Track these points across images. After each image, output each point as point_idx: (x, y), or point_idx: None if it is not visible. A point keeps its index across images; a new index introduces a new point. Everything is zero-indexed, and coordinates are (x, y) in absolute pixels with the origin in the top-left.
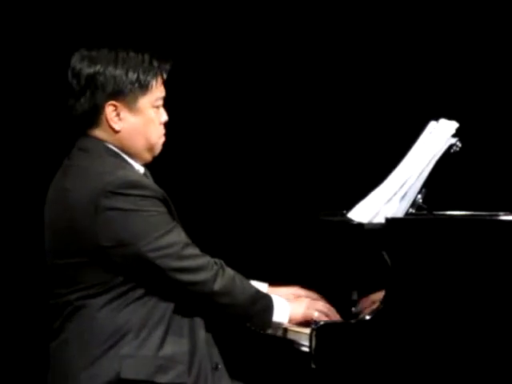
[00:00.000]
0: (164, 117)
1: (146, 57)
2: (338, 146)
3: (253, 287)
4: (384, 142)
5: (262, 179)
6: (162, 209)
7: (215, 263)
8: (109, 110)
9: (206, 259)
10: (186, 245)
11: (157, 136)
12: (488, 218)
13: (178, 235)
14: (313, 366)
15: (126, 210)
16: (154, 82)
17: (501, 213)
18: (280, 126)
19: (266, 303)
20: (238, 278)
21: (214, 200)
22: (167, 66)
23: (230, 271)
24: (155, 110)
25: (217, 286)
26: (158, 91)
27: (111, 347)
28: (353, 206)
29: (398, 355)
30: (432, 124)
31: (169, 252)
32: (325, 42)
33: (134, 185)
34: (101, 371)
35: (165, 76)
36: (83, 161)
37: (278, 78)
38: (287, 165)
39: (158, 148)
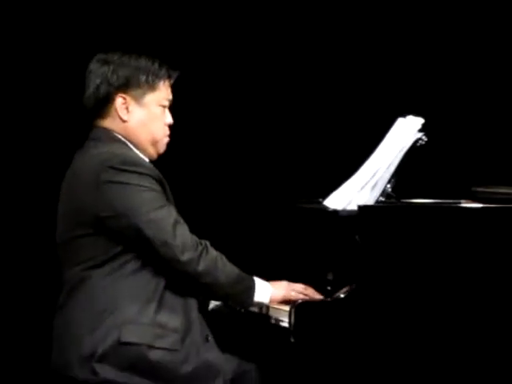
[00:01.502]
0: (169, 118)
1: (156, 62)
2: (315, 141)
3: (235, 268)
4: (356, 136)
5: (243, 170)
6: (156, 187)
7: (200, 244)
8: (118, 102)
9: (193, 239)
10: (176, 222)
11: (161, 133)
12: (449, 205)
13: (169, 212)
14: (292, 340)
15: (122, 184)
16: (161, 83)
17: (462, 200)
18: (260, 118)
19: (249, 284)
20: (221, 259)
21: (197, 190)
22: (175, 74)
23: (213, 252)
24: (161, 109)
25: (200, 267)
26: (164, 92)
27: (111, 314)
28: (328, 194)
29: (370, 330)
30: (400, 120)
31: (158, 226)
32: (299, 40)
33: (132, 162)
34: (102, 336)
35: (172, 81)
36: (92, 148)
37: (253, 72)
38: (270, 157)
39: (162, 146)
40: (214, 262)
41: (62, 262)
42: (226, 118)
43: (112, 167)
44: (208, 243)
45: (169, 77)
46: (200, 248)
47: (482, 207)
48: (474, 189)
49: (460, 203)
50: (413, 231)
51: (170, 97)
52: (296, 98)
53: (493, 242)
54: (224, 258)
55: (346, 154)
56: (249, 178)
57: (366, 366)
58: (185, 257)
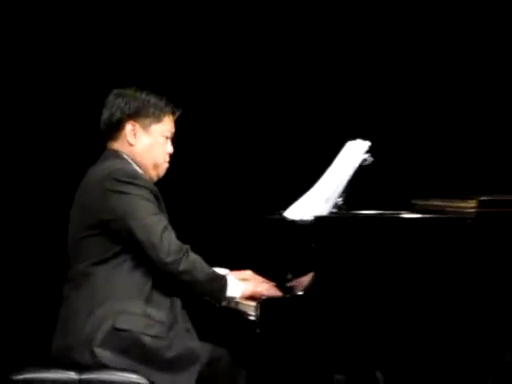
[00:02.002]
0: (170, 148)
1: (164, 99)
2: (278, 161)
3: (211, 269)
4: (313, 156)
5: (221, 185)
6: (151, 198)
7: (182, 248)
8: (128, 128)
9: (177, 244)
10: (165, 228)
11: (161, 159)
12: (391, 215)
13: (160, 220)
14: (257, 330)
15: (123, 193)
16: (166, 117)
17: (402, 211)
18: (226, 132)
19: (222, 282)
20: (199, 261)
21: (179, 201)
22: (178, 111)
23: (193, 256)
24: (164, 138)
25: (181, 267)
26: (168, 125)
27: (108, 304)
28: (288, 207)
29: (323, 321)
30: (350, 143)
31: (149, 230)
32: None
33: (133, 176)
34: (100, 322)
35: (175, 117)
36: (102, 164)
37: (211, 80)
38: (238, 172)
39: (162, 170)
40: (193, 264)
41: (70, 260)
42: (195, 130)
43: (115, 179)
44: (189, 248)
45: (173, 113)
46: (182, 252)
47: (420, 217)
48: (413, 201)
49: (400, 214)
50: (359, 238)
51: (173, 130)
52: (259, 118)
53: (428, 249)
54: (201, 260)
55: (303, 171)
56: (223, 191)
57: (321, 352)
58: (169, 259)
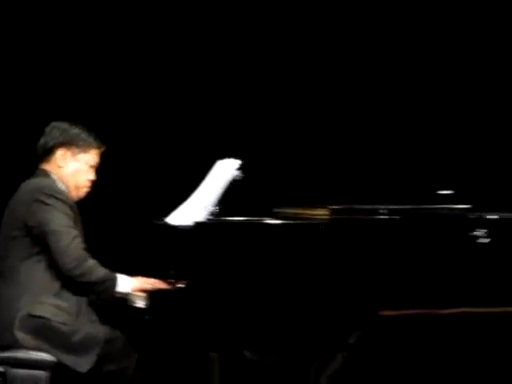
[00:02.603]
0: (92, 176)
1: (92, 135)
2: (161, 174)
3: (104, 271)
4: (191, 170)
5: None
6: (68, 212)
7: (83, 255)
8: (59, 153)
9: (81, 253)
10: (74, 238)
11: (83, 182)
12: (256, 221)
13: (70, 231)
14: (147, 317)
15: (46, 204)
16: (92, 149)
17: (265, 218)
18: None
19: (112, 281)
20: (95, 266)
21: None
22: (103, 147)
23: (91, 261)
24: (88, 167)
25: (79, 272)
26: (93, 156)
27: (26, 295)
28: (170, 213)
29: (200, 309)
30: (221, 161)
31: (60, 238)
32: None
33: (57, 191)
34: (18, 309)
35: (100, 151)
36: (33, 179)
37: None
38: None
39: (83, 192)
40: (90, 269)
41: (1, 257)
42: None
43: (42, 192)
44: (87, 256)
45: (98, 147)
46: (82, 259)
47: (281, 223)
48: (274, 210)
49: (264, 220)
50: (230, 240)
51: (97, 161)
52: (147, 133)
53: (287, 249)
54: (97, 264)
55: (183, 183)
56: (113, 201)
57: (198, 334)
58: (70, 265)
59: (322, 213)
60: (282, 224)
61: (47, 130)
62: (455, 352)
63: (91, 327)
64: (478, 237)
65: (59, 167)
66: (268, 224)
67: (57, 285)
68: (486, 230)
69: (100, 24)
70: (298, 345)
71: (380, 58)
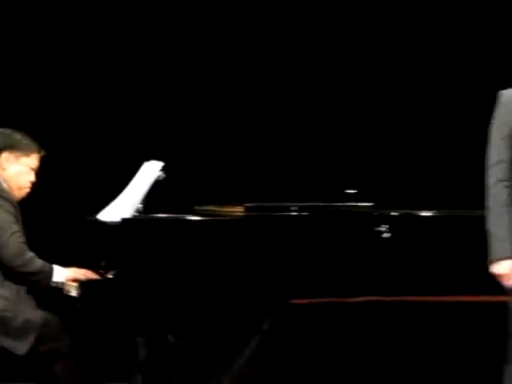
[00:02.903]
0: (32, 177)
1: (36, 143)
2: (92, 174)
3: (41, 262)
4: (118, 171)
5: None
6: (11, 210)
7: (22, 248)
8: (3, 156)
9: (20, 246)
10: (14, 233)
11: (25, 183)
12: (179, 218)
13: (12, 226)
14: (78, 304)
15: None
16: (33, 153)
17: (186, 215)
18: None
19: (49, 271)
20: (32, 258)
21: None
22: (43, 152)
23: (29, 254)
24: (29, 169)
25: (17, 263)
26: (34, 160)
27: None
28: (100, 211)
29: (127, 298)
30: (147, 163)
31: (4, 232)
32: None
33: (2, 190)
34: None
35: (40, 155)
36: None
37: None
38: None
39: (24, 193)
40: (27, 261)
41: None
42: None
43: None
44: (26, 248)
45: (39, 152)
46: (20, 251)
47: (201, 219)
48: (195, 207)
49: (186, 217)
50: (155, 234)
51: (37, 164)
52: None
53: (206, 243)
54: (35, 256)
55: (112, 183)
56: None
57: (125, 320)
58: (10, 257)
59: (237, 210)
60: (201, 220)
61: None
62: (362, 337)
63: (29, 313)
64: (380, 231)
65: (3, 169)
66: (188, 220)
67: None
68: (387, 226)
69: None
70: (216, 330)
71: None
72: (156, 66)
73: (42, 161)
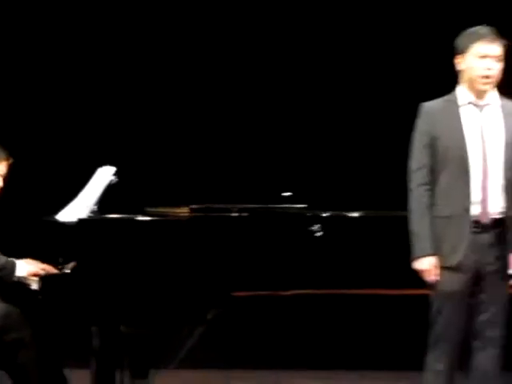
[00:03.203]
0: (1, 183)
1: (3, 150)
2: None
3: (4, 258)
4: (75, 175)
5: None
6: None
7: None
8: None
9: None
10: None
11: None
12: (130, 218)
13: None
14: (40, 297)
15: None
16: (2, 161)
17: (137, 215)
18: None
19: (11, 266)
20: None
21: None
22: (11, 160)
23: None
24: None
25: None
26: (2, 167)
27: None
28: (58, 211)
29: (82, 291)
30: (101, 168)
31: None
32: None
33: None
34: None
35: (9, 162)
36: None
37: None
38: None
39: None
40: None
41: None
42: None
43: None
44: None
45: (7, 159)
46: None
47: (150, 219)
48: (146, 208)
49: (136, 217)
50: (108, 233)
51: (5, 171)
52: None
53: (155, 241)
54: None
55: (69, 187)
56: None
57: (81, 311)
58: None
59: (183, 211)
60: (151, 220)
61: None
62: (295, 324)
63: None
64: (312, 231)
65: None
66: (139, 220)
67: None
68: (319, 225)
69: None
70: (164, 320)
71: None
72: (102, 68)
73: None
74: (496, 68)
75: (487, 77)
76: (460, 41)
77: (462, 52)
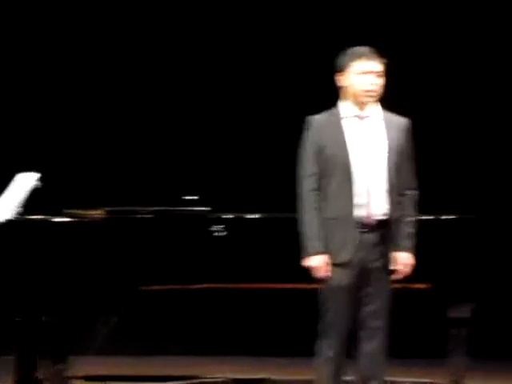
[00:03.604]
0: None
1: None
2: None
3: None
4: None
5: None
6: None
7: None
8: None
9: None
10: None
11: None
12: (45, 219)
13: None
14: None
15: None
16: None
17: (53, 216)
18: None
19: None
20: None
21: None
22: None
23: None
24: None
25: None
26: None
27: None
28: None
29: (8, 285)
30: (21, 174)
31: None
32: None
33: None
34: None
35: None
36: None
37: None
38: None
39: None
40: None
41: None
42: None
43: None
44: None
45: None
46: None
47: (66, 220)
48: (64, 210)
49: (53, 218)
50: (30, 233)
51: None
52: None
53: (71, 240)
54: None
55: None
56: None
57: (6, 303)
58: None
59: (98, 213)
60: (68, 221)
61: None
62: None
63: None
64: (216, 231)
65: None
66: (56, 221)
67: None
68: (222, 226)
69: None
70: (80, 311)
71: None
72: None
73: None
74: (377, 83)
75: (369, 91)
76: (341, 60)
77: (342, 70)
